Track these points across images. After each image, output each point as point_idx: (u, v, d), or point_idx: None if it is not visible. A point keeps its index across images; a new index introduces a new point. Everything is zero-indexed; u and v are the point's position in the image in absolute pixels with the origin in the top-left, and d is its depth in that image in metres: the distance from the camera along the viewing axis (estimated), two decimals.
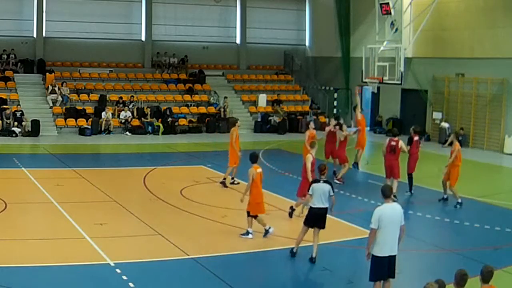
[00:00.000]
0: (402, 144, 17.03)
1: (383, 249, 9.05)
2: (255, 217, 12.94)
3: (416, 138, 17.70)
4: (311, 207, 11.43)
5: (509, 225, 14.40)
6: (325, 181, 11.40)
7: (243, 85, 35.76)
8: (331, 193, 11.33)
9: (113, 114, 29.87)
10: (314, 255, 11.30)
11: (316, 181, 11.55)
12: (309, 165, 13.84)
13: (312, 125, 19.09)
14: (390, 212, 9.11)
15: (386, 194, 9.25)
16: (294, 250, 11.62)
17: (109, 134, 29.05)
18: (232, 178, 18.41)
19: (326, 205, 11.37)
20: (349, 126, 22.57)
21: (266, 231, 12.90)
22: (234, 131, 18.00)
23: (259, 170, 13.00)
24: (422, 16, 28.34)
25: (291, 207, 14.75)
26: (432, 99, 30.26)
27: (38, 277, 10.26)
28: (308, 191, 11.53)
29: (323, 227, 11.48)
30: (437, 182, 18.00)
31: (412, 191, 17.65)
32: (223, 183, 18.19)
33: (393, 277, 9.34)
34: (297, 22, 38.80)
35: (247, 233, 12.92)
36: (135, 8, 34.53)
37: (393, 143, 17.01)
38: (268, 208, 15.72)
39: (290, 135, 31.22)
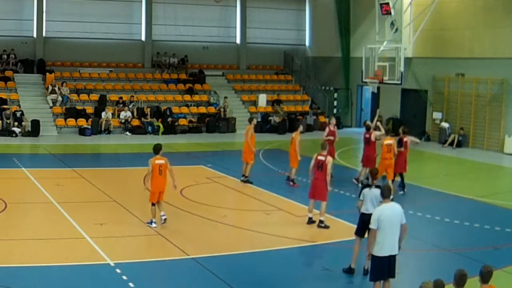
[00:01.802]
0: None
1: (383, 249, 9.06)
2: (156, 204, 13.40)
3: (405, 139, 17.81)
4: (363, 213, 10.93)
5: (509, 225, 14.40)
6: (376, 186, 10.91)
7: (243, 85, 35.76)
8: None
9: (113, 114, 29.86)
10: (366, 267, 10.69)
11: (367, 186, 11.14)
12: (329, 167, 13.55)
13: (301, 128, 19.26)
14: (389, 212, 9.13)
15: (385, 194, 9.26)
16: (352, 266, 10.99)
17: (109, 134, 29.05)
18: (243, 175, 18.57)
19: None
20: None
21: (151, 221, 13.40)
22: (250, 129, 18.61)
23: (158, 161, 13.34)
24: (422, 16, 28.33)
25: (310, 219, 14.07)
26: (432, 99, 30.26)
27: (38, 277, 10.26)
28: (359, 196, 11.11)
29: None
30: (437, 182, 18.03)
31: (405, 190, 17.68)
32: (245, 181, 18.46)
33: (393, 277, 9.34)
34: (297, 22, 38.80)
35: (151, 222, 13.36)
36: (135, 8, 34.53)
37: (366, 135, 18.59)
38: (268, 208, 15.78)
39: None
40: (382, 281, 9.29)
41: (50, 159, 22.69)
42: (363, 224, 10.86)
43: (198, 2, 35.52)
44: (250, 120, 19.28)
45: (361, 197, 10.99)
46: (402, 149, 17.69)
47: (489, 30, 27.01)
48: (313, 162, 13.83)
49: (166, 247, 12.26)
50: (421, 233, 13.69)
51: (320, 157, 13.71)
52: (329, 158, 13.69)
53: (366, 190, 10.98)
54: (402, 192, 17.47)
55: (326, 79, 36.72)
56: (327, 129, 19.91)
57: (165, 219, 13.48)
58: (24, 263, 10.82)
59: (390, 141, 17.58)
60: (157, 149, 13.53)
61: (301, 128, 19.23)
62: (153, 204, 13.44)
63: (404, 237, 9.32)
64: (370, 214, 10.58)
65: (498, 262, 11.19)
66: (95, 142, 27.38)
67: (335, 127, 20.03)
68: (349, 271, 11.00)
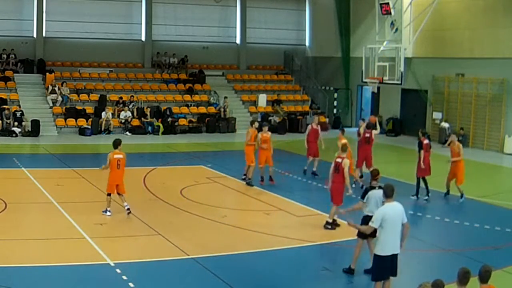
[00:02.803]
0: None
1: (385, 248, 9.07)
2: (111, 194, 14.27)
3: (426, 141, 17.48)
4: (366, 216, 10.80)
5: (509, 225, 14.40)
6: (380, 187, 10.72)
7: (243, 85, 35.75)
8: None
9: (113, 114, 29.86)
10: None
11: (371, 188, 11.01)
12: (347, 170, 13.46)
13: (266, 128, 18.69)
14: (392, 211, 9.15)
15: (388, 194, 9.26)
16: (352, 267, 11.00)
17: (109, 134, 29.02)
18: (244, 175, 18.57)
19: None
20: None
21: (106, 210, 14.30)
22: (251, 131, 18.54)
23: (117, 156, 14.20)
24: (422, 16, 28.33)
25: (332, 222, 13.98)
26: (432, 99, 30.26)
27: (38, 277, 10.26)
28: (362, 198, 11.03)
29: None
30: (437, 182, 18.00)
31: (419, 196, 17.22)
32: (248, 183, 18.34)
33: (396, 275, 9.34)
34: (297, 22, 38.78)
35: (106, 211, 14.29)
36: (135, 8, 34.53)
37: (367, 134, 18.54)
38: (268, 208, 15.78)
39: (290, 135, 31.21)
40: (382, 281, 9.30)
41: (50, 159, 22.68)
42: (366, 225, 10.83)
43: (198, 2, 35.52)
44: (252, 123, 18.91)
45: (364, 200, 10.91)
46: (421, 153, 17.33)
47: (489, 30, 27.01)
48: (332, 165, 13.81)
49: (166, 247, 12.25)
50: (421, 233, 13.71)
51: (337, 160, 13.66)
52: (346, 161, 13.56)
53: (370, 192, 10.89)
54: (415, 197, 17.07)
55: (326, 79, 36.72)
56: (309, 127, 19.90)
57: (128, 210, 14.16)
58: (24, 263, 10.82)
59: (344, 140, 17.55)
60: (116, 143, 14.35)
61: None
62: (108, 195, 14.26)
63: (407, 236, 9.33)
64: None
65: (498, 262, 11.18)
66: (95, 142, 27.37)
67: (318, 126, 19.94)
68: (349, 271, 11.00)
